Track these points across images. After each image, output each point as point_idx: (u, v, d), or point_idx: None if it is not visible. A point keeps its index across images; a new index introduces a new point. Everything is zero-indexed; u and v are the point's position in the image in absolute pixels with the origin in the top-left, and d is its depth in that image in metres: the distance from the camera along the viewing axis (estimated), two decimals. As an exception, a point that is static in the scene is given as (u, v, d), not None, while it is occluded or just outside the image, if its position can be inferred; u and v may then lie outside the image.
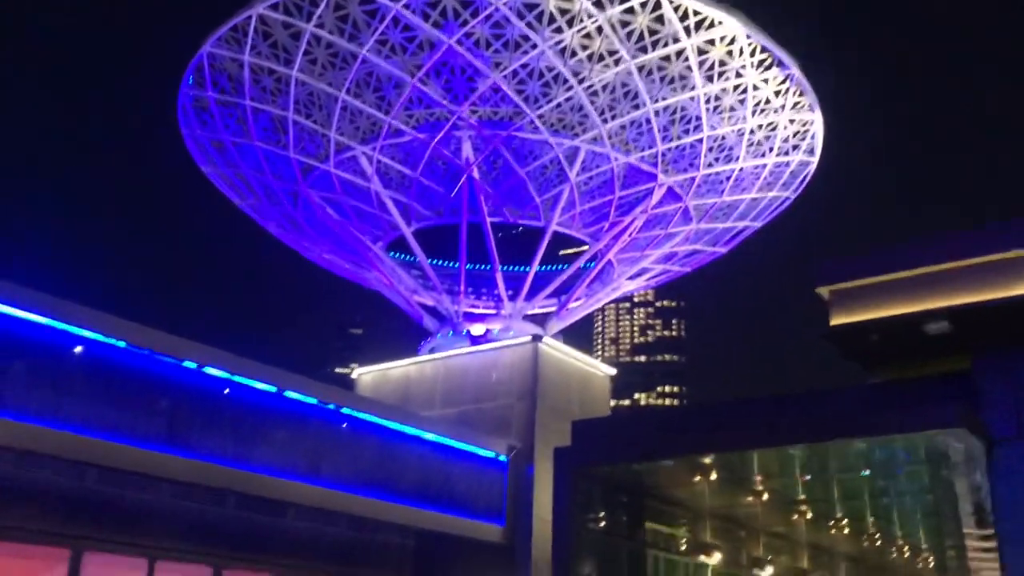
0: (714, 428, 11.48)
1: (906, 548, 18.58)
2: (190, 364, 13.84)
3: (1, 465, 13.14)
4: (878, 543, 17.58)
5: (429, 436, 17.73)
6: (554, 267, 25.89)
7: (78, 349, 12.71)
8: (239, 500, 16.07)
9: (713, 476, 13.66)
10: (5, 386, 11.85)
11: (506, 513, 18.82)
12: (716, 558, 13.99)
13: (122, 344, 13.16)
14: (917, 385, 10.65)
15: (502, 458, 19.18)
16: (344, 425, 16.32)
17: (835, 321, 12.15)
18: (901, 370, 12.19)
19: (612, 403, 22.66)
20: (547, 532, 19.05)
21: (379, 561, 18.69)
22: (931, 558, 19.74)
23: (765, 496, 14.82)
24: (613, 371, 22.37)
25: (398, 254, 25.76)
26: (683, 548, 14.18)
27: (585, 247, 25.21)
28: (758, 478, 14.38)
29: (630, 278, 26.02)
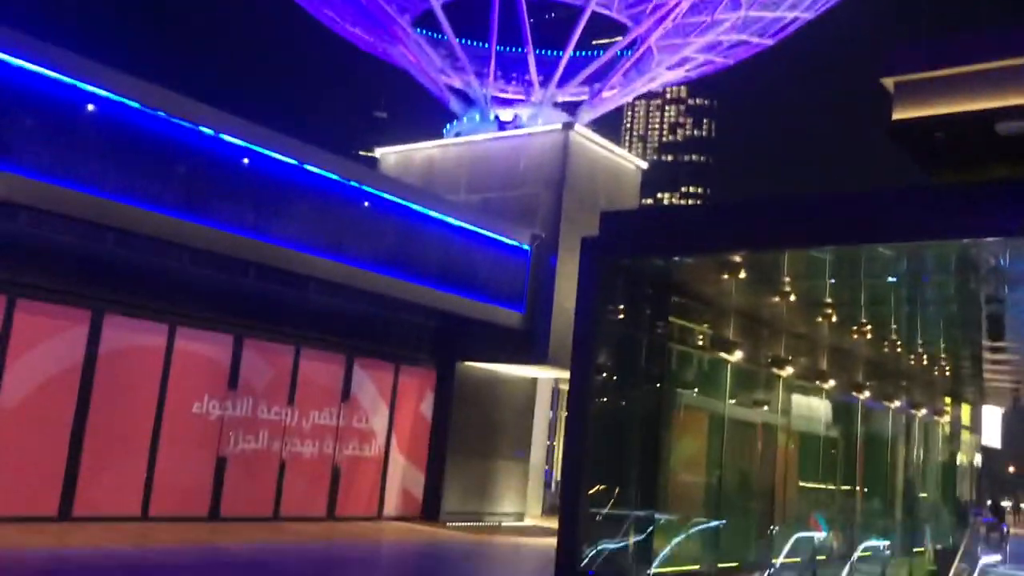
0: (750, 225, 10.86)
1: (924, 356, 18.58)
2: (207, 130, 13.23)
3: (19, 224, 12.94)
4: (898, 349, 17.55)
5: (453, 221, 17.36)
6: (589, 53, 24.60)
7: (91, 107, 12.09)
8: (260, 272, 15.98)
9: (741, 275, 13.19)
10: (17, 142, 11.34)
11: (527, 301, 18.77)
12: (737, 355, 13.89)
13: (136, 105, 12.53)
14: (978, 189, 9.94)
15: (525, 247, 18.91)
16: (366, 204, 15.91)
17: (898, 116, 11.31)
18: (963, 173, 11.47)
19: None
20: (566, 321, 19.05)
21: (400, 338, 18.88)
22: (947, 367, 19.84)
23: (791, 297, 14.46)
24: (645, 164, 21.61)
25: (426, 31, 24.46)
26: (705, 344, 14.05)
27: (618, 38, 23.85)
28: (786, 279, 13.96)
29: (669, 68, 24.71)
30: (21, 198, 11.29)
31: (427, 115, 23.50)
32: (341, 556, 13.61)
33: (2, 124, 11.25)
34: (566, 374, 21.06)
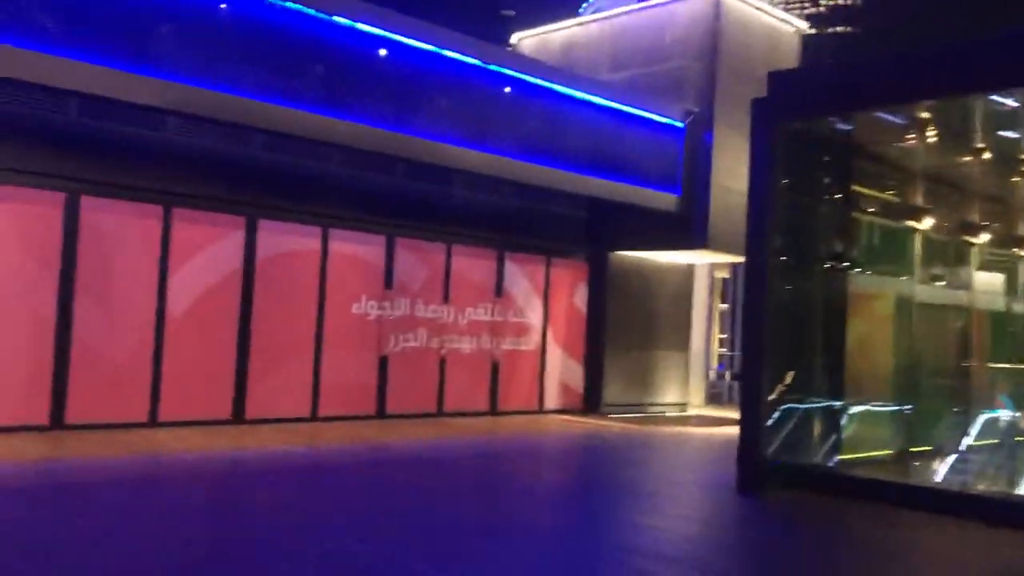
0: (941, 71, 9.47)
1: None
2: (341, 20, 12.69)
3: (168, 132, 12.93)
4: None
5: (600, 101, 16.37)
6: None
7: (223, 6, 11.73)
8: (407, 169, 15.61)
9: (929, 132, 11.77)
10: (159, 47, 11.12)
11: (682, 182, 17.71)
12: (927, 223, 12.58)
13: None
14: None
15: (678, 124, 17.75)
16: (508, 89, 15.12)
17: None
18: None
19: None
20: (726, 201, 18.00)
21: (550, 231, 18.29)
22: None
23: (985, 155, 12.90)
24: (806, 25, 19.77)
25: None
26: (890, 213, 12.77)
27: None
28: (978, 134, 12.39)
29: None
30: (168, 103, 11.13)
31: (554, 4, 22.19)
32: (509, 449, 13.43)
33: (144, 30, 11.04)
34: (726, 258, 20.05)
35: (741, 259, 19.65)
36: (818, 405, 11.21)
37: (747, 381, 10.35)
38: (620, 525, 8.43)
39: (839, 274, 11.82)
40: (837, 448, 11.27)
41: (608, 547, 7.46)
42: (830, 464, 11.01)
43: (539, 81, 15.40)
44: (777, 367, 10.48)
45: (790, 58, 19.46)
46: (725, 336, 28.69)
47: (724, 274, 28.02)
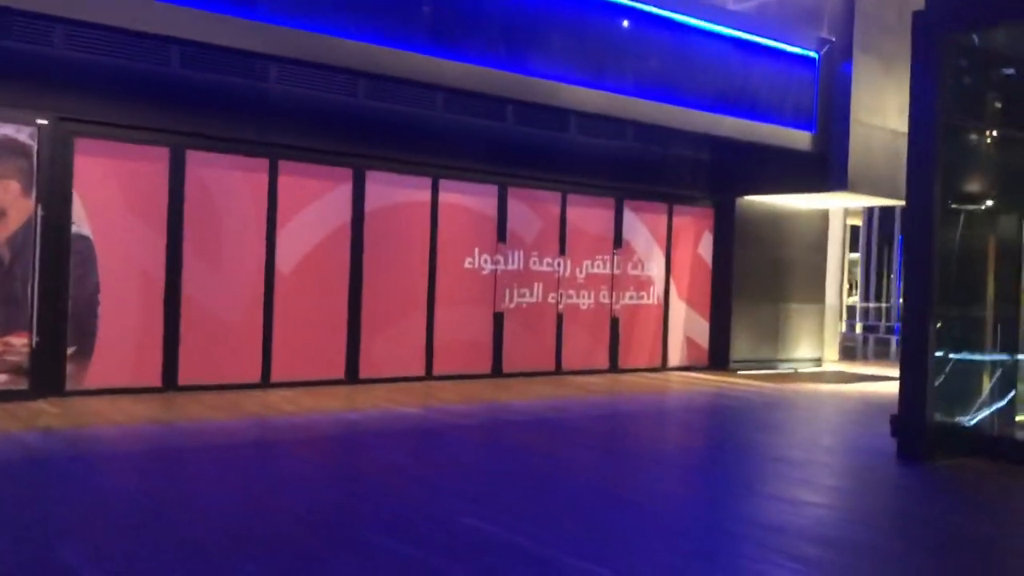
0: None
1: None
2: (447, -47, 11.79)
3: (270, 82, 12.38)
4: None
5: (724, 31, 15.01)
6: None
7: (323, -58, 10.97)
8: (518, 113, 14.71)
9: None
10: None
11: (817, 118, 16.20)
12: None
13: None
14: None
15: (812, 55, 16.20)
16: (625, 23, 13.97)
17: None
18: None
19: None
20: (867, 139, 16.41)
21: (672, 176, 17.12)
22: None
23: None
24: (953, -61, 17.70)
25: None
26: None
27: None
28: None
29: None
30: (268, 48, 10.51)
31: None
32: (633, 409, 12.52)
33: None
34: (868, 201, 18.42)
35: (885, 202, 18.06)
36: (991, 363, 9.85)
37: (911, 336, 9.10)
38: (767, 500, 7.43)
39: (1018, 213, 10.33)
40: (1013, 408, 9.90)
41: (756, 526, 6.50)
42: (1008, 428, 9.67)
43: (659, 11, 14.16)
44: (942, 321, 9.18)
45: (938, -24, 17.49)
46: (856, 287, 26.93)
47: (856, 221, 26.18)
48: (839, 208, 21.46)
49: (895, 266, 25.58)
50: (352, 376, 13.27)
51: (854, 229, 27.97)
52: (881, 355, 23.64)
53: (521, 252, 15.11)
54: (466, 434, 9.98)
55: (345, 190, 13.20)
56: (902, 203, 17.98)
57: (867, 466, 9.04)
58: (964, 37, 8.99)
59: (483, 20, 12.30)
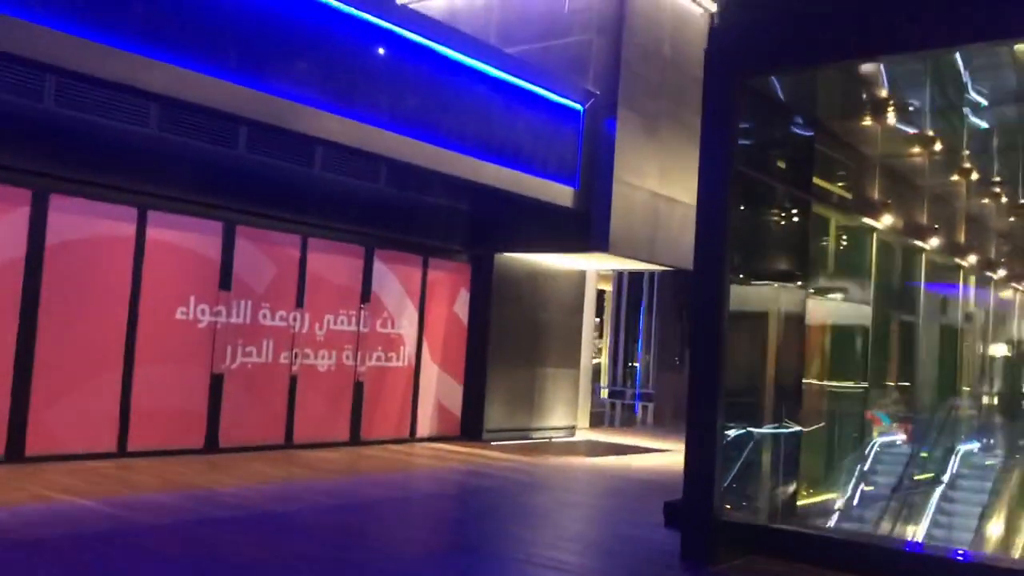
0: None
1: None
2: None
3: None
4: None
5: (491, 71, 13.75)
6: None
7: None
8: (252, 138, 12.53)
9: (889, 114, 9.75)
10: None
11: (580, 174, 15.30)
12: (886, 221, 10.60)
13: None
14: None
15: (577, 107, 15.35)
16: (381, 51, 12.29)
17: None
18: None
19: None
20: (629, 199, 15.71)
21: (428, 225, 15.52)
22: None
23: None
24: (714, 7, 17.77)
25: None
26: (850, 207, 10.72)
27: None
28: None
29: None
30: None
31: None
32: (378, 496, 10.54)
33: None
34: (628, 265, 17.78)
35: (643, 266, 17.49)
36: (781, 439, 8.92)
37: (696, 420, 7.89)
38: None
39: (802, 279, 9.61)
40: (795, 493, 9.00)
41: None
42: (792, 520, 8.70)
43: (421, 39, 12.64)
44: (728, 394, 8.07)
45: (699, 40, 17.42)
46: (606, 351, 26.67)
47: (605, 285, 25.99)
48: (603, 269, 20.84)
49: (639, 332, 25.51)
50: (15, 453, 10.33)
51: (599, 293, 27.85)
52: (628, 422, 23.24)
53: (249, 302, 12.82)
54: (151, 542, 7.55)
55: (19, 216, 10.38)
56: (660, 268, 17.56)
57: (649, 573, 7.62)
58: (760, 75, 8.06)
59: (209, 19, 10.13)
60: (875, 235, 12.09)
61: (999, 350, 18.45)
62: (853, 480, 11.59)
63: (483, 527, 9.24)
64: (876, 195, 11.45)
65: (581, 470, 13.89)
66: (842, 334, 12.31)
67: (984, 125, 11.59)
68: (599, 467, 14.35)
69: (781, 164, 9.12)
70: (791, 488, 9.25)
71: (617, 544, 8.86)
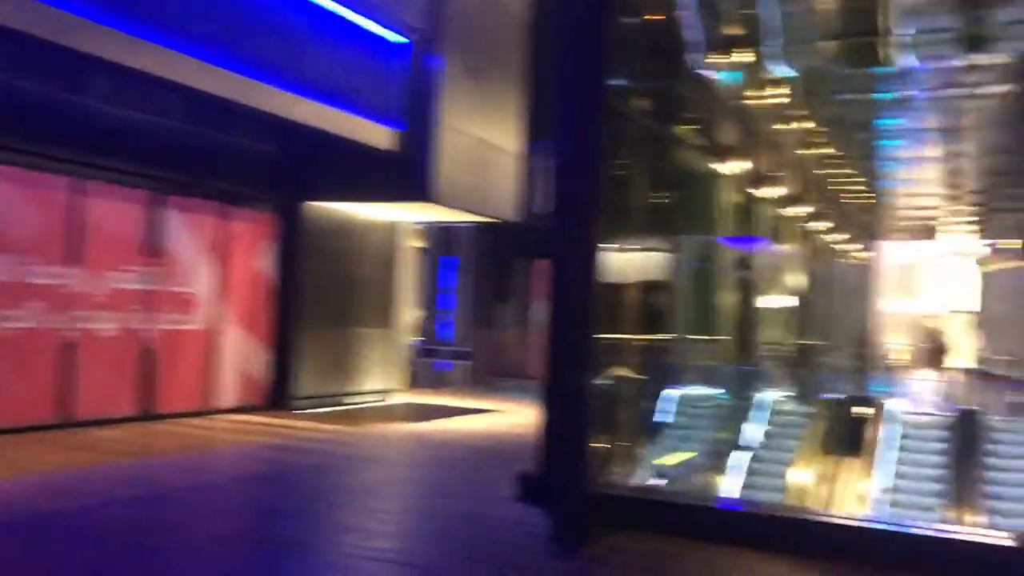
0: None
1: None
2: None
3: None
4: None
5: (301, -7, 12.09)
6: None
7: None
8: (9, 56, 10.29)
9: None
10: None
11: (405, 114, 13.96)
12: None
13: None
14: None
15: (402, 40, 13.95)
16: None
17: None
18: None
19: None
20: (456, 143, 14.54)
21: (228, 168, 13.68)
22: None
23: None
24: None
25: None
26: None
27: None
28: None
29: None
30: None
31: None
32: (167, 484, 8.91)
33: None
34: (453, 215, 16.61)
35: (470, 217, 16.44)
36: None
37: (561, 382, 6.96)
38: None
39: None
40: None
41: None
42: (663, 485, 8.01)
43: (221, -52, 10.82)
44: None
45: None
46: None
47: (416, 240, 24.83)
48: (425, 221, 19.54)
49: (453, 288, 24.54)
50: None
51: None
52: (443, 381, 22.32)
53: (10, 256, 10.66)
54: None
55: None
56: (489, 219, 16.56)
57: (518, 563, 6.62)
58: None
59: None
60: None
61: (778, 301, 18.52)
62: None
63: (301, 515, 7.89)
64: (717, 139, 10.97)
65: (405, 438, 12.79)
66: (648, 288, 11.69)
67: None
68: (423, 434, 13.30)
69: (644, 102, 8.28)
70: (643, 447, 8.57)
71: (464, 527, 7.77)
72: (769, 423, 12.76)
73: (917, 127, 14.54)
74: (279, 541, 6.85)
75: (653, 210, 9.88)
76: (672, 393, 11.28)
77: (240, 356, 14.17)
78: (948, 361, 29.88)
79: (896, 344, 31.43)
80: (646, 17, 8.10)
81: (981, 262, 30.27)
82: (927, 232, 27.41)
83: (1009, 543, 6.20)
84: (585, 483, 6.82)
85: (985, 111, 13.28)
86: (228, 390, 13.96)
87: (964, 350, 29.93)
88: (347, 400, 15.84)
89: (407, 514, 8.43)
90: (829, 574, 6.32)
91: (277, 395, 14.72)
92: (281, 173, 14.57)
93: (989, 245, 28.68)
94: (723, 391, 12.96)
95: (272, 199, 14.64)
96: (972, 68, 11.44)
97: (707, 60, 9.84)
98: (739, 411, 12.94)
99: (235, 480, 9.56)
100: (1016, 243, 25.83)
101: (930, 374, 27.27)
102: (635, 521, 6.99)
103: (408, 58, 14.04)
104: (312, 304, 15.03)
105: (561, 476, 6.91)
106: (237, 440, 11.70)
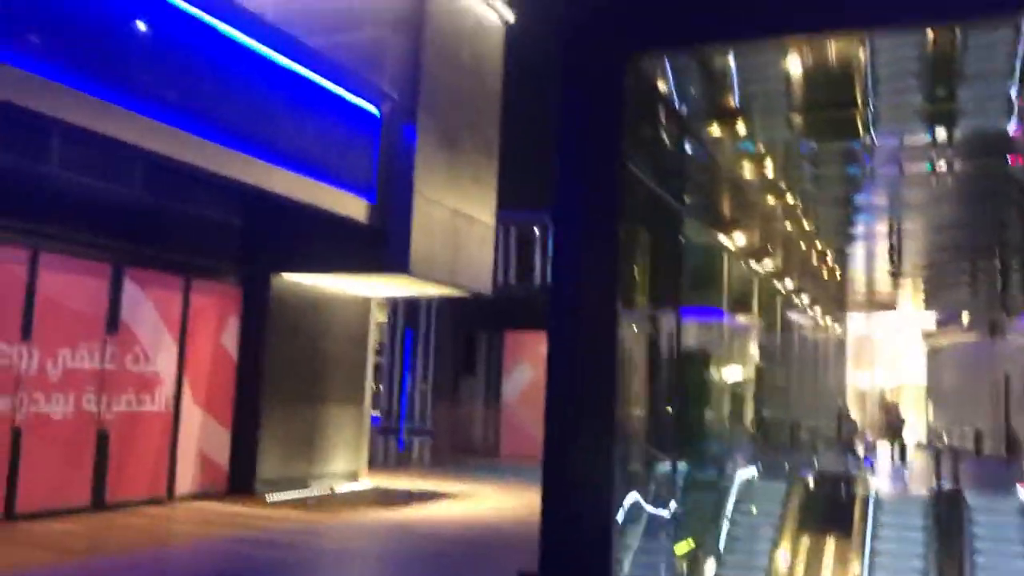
0: None
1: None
2: None
3: None
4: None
5: (274, 57, 11.60)
6: None
7: None
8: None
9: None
10: None
11: (377, 185, 13.45)
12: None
13: None
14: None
15: (373, 111, 13.49)
16: (142, 25, 9.83)
17: None
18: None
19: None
20: (430, 214, 14.04)
21: (192, 238, 12.98)
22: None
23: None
24: (512, 17, 16.55)
25: None
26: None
27: None
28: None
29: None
30: None
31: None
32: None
33: None
34: (427, 288, 15.98)
35: (443, 290, 15.86)
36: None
37: (577, 474, 6.30)
38: None
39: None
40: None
41: None
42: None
43: (193, 10, 10.33)
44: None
45: (495, 49, 16.19)
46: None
47: (381, 315, 24.14)
48: (399, 294, 18.83)
49: (409, 361, 23.73)
50: None
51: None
52: (403, 462, 21.33)
53: (-46, 334, 9.80)
54: None
55: None
56: (461, 293, 16.00)
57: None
58: (648, 54, 6.70)
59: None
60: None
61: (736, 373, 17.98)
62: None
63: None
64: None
65: (380, 529, 11.95)
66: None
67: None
68: (399, 524, 12.46)
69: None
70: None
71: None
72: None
73: (876, 203, 14.71)
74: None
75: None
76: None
77: (201, 439, 13.26)
78: (904, 434, 29.82)
79: (858, 416, 31.32)
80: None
81: (927, 336, 30.52)
82: (887, 305, 27.64)
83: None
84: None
85: (938, 187, 13.46)
86: (187, 476, 13.00)
87: (915, 424, 29.89)
88: (313, 482, 14.93)
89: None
90: None
91: (240, 479, 13.77)
92: (249, 244, 13.91)
93: (938, 319, 28.95)
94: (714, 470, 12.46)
95: (239, 271, 13.93)
96: (931, 145, 11.55)
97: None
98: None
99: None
100: (963, 318, 26.03)
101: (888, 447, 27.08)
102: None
103: (383, 128, 13.58)
104: (279, 382, 14.22)
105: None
106: (198, 533, 10.78)
